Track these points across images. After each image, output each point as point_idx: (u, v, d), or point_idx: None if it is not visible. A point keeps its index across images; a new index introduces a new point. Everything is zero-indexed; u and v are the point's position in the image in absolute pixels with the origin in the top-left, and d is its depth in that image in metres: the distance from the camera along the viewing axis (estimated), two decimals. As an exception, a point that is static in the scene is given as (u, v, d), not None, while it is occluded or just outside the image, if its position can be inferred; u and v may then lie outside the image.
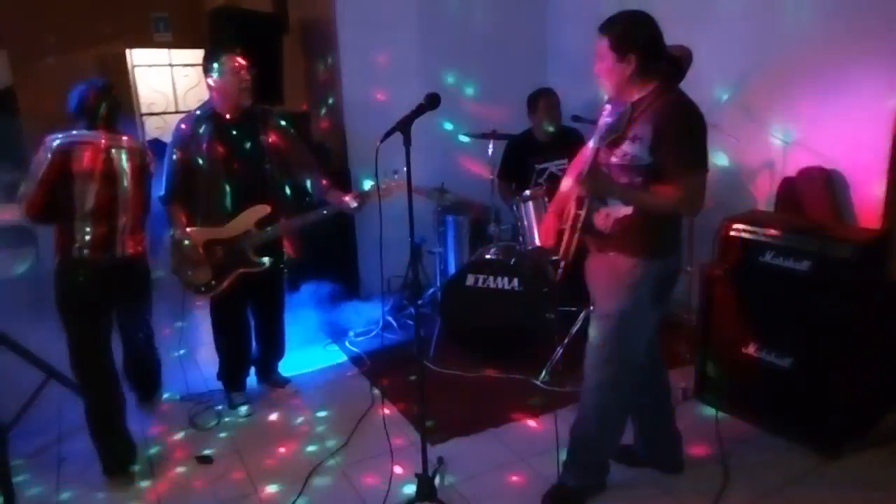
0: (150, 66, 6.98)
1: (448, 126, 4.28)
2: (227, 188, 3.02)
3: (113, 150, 2.68)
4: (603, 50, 2.10)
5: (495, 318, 3.50)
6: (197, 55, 6.96)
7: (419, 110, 2.09)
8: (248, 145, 3.04)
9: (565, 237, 2.27)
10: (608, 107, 2.28)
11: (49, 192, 2.57)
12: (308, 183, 3.17)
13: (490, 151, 3.79)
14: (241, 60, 2.96)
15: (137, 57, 6.91)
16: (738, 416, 2.95)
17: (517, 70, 4.55)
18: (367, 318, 4.19)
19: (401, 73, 4.35)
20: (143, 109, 6.91)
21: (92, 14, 6.46)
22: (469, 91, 4.48)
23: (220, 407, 3.25)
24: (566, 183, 2.39)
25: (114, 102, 2.75)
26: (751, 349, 2.87)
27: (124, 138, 2.75)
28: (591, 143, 2.26)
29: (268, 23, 4.48)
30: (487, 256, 3.57)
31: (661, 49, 2.13)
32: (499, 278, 3.45)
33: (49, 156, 2.58)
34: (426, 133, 4.33)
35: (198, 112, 3.05)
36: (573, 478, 2.46)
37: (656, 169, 2.08)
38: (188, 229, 3.03)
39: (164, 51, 6.98)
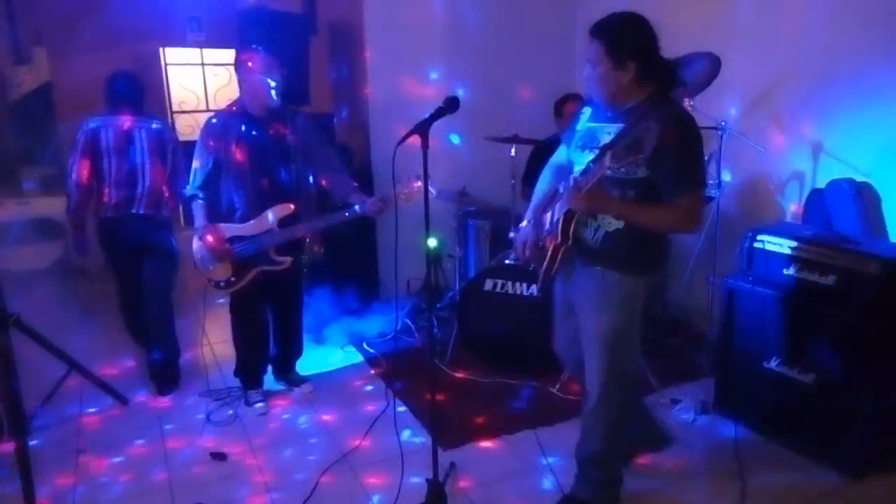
0: (182, 64, 7.08)
1: (470, 129, 4.26)
2: (252, 186, 3.06)
3: (134, 131, 3.31)
4: (597, 55, 2.02)
5: (513, 324, 3.47)
6: (228, 55, 7.07)
7: (438, 113, 2.08)
8: (275, 144, 3.07)
9: (549, 252, 2.21)
10: (588, 110, 2.22)
11: (84, 164, 3.27)
12: (333, 184, 3.19)
13: (513, 155, 3.77)
14: (270, 60, 2.99)
15: (171, 56, 7.02)
16: (758, 432, 2.88)
17: (543, 75, 4.52)
18: (385, 321, 4.19)
19: (426, 77, 4.36)
20: (175, 108, 7.01)
21: (128, 12, 6.59)
22: (493, 94, 4.46)
23: (236, 403, 3.28)
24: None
25: (136, 89, 3.37)
26: (773, 363, 2.80)
27: (146, 120, 3.35)
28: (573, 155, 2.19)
29: (297, 24, 4.51)
30: (507, 262, 3.55)
31: (658, 55, 2.07)
32: (517, 284, 3.43)
33: (81, 137, 3.27)
34: (447, 136, 4.37)
35: (229, 109, 3.10)
36: (585, 492, 2.43)
37: (652, 183, 2.00)
38: (211, 224, 3.06)
39: (196, 50, 7.08)
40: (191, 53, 7.07)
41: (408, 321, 4.12)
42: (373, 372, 3.67)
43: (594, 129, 2.17)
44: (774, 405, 2.81)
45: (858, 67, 3.15)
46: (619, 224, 2.10)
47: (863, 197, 3.00)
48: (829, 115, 3.31)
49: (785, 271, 2.76)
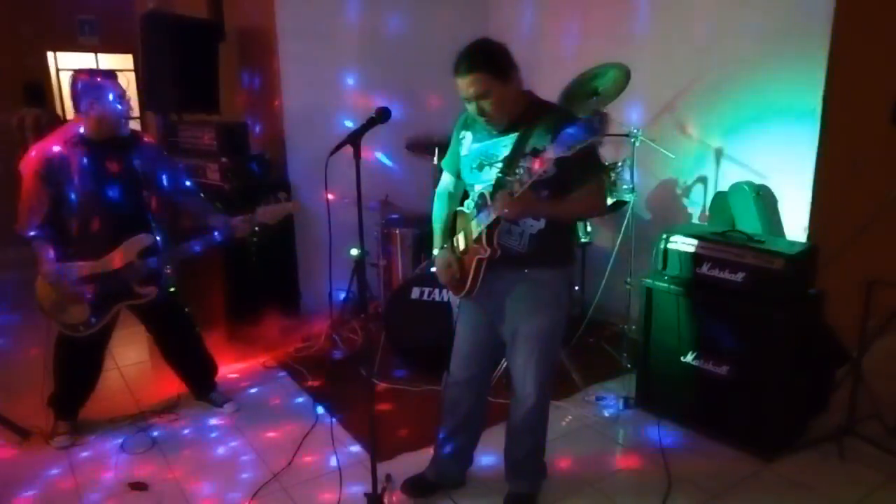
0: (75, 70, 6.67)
1: (389, 138, 4.25)
2: (101, 218, 2.85)
3: None
4: (486, 84, 2.03)
5: (441, 332, 3.47)
6: (125, 60, 6.73)
7: (370, 123, 2.06)
8: (121, 171, 2.86)
9: (472, 268, 2.23)
10: (468, 134, 2.27)
11: None
12: (190, 208, 3.09)
13: (434, 163, 3.79)
14: (119, 85, 2.82)
15: (62, 61, 6.60)
16: (680, 424, 3.03)
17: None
18: (308, 334, 4.10)
19: (342, 85, 4.31)
20: (69, 114, 6.59)
21: (12, 14, 6.13)
22: (412, 103, 4.47)
23: (152, 427, 3.11)
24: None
25: None
26: (690, 358, 2.95)
27: None
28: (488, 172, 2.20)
29: (203, 30, 4.35)
30: (433, 269, 3.54)
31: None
32: (444, 291, 3.44)
33: None
34: (370, 145, 4.34)
35: (66, 136, 2.83)
36: (527, 486, 2.52)
37: (561, 179, 2.06)
38: (57, 265, 2.80)
39: (91, 55, 6.69)
40: (84, 58, 6.67)
41: (331, 332, 4.04)
42: (298, 386, 3.57)
43: (485, 147, 2.21)
44: (693, 397, 2.97)
45: (755, 79, 3.39)
46: (541, 224, 2.19)
47: (762, 198, 3.22)
48: (730, 123, 3.55)
49: (698, 270, 2.92)
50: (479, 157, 2.22)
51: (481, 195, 2.17)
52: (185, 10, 4.61)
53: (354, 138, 2.04)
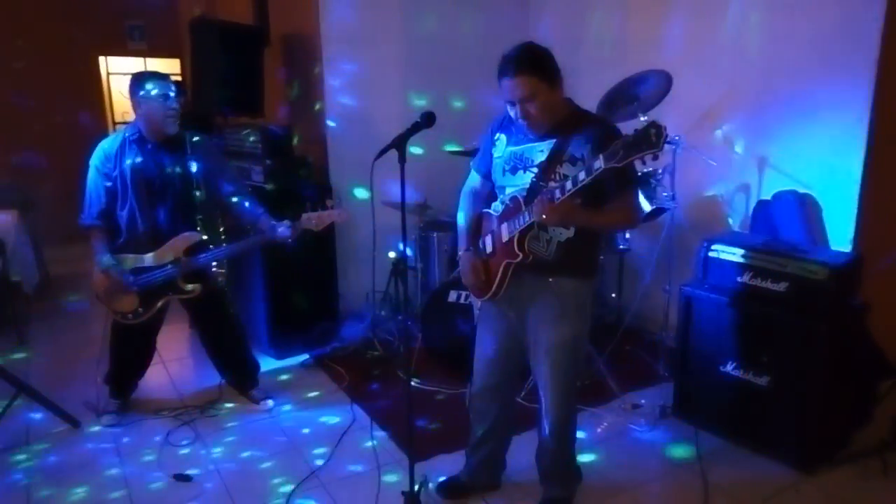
0: (125, 74, 6.89)
1: (429, 142, 4.29)
2: (153, 215, 2.98)
3: None
4: (533, 88, 2.04)
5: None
6: (173, 64, 6.92)
7: (415, 128, 2.10)
8: (175, 171, 2.99)
9: (500, 272, 2.25)
10: (502, 136, 2.27)
11: None
12: (239, 209, 3.15)
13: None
14: (169, 87, 2.92)
15: (113, 65, 6.82)
16: (717, 433, 3.00)
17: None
18: (346, 334, 4.16)
19: (384, 88, 4.37)
20: (118, 118, 6.80)
21: (64, 19, 6.36)
22: (455, 105, 4.51)
23: (198, 427, 3.20)
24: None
25: None
26: (729, 367, 2.93)
27: None
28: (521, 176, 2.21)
29: (249, 35, 4.46)
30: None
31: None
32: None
33: None
34: (408, 149, 4.38)
35: (124, 134, 2.99)
36: (561, 491, 2.53)
37: (595, 189, 2.04)
38: (113, 256, 2.97)
39: (140, 59, 6.90)
40: (133, 63, 6.88)
41: (369, 334, 4.09)
42: (335, 385, 3.64)
43: (521, 150, 2.21)
44: (731, 407, 2.94)
45: (798, 87, 3.35)
46: (570, 233, 2.18)
47: (806, 207, 3.18)
48: (773, 131, 3.50)
49: (739, 279, 2.89)
50: (513, 160, 2.23)
51: (513, 198, 2.18)
52: (230, 16, 4.73)
53: (400, 142, 2.08)
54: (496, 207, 2.31)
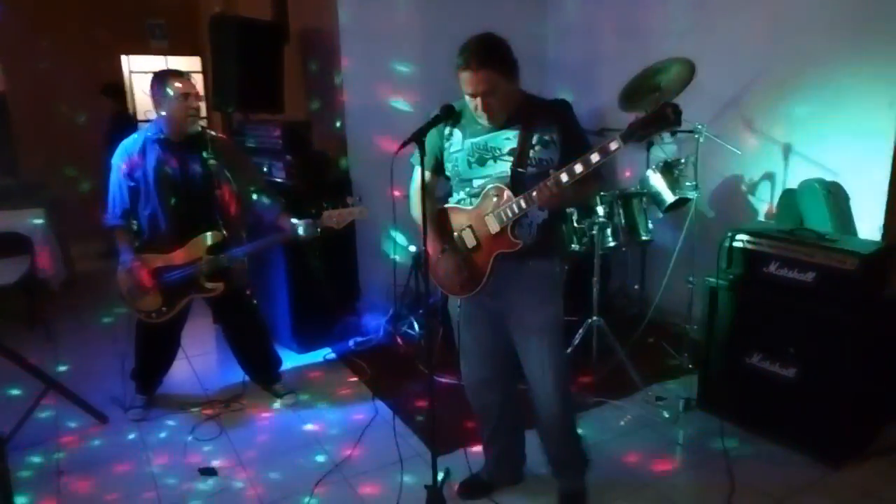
0: (146, 72, 6.95)
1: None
2: (176, 214, 3.00)
3: None
4: (492, 81, 2.04)
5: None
6: (193, 62, 6.97)
7: (435, 121, 2.09)
8: (196, 170, 3.01)
9: (490, 263, 2.21)
10: (455, 130, 2.24)
11: None
12: (260, 208, 3.16)
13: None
14: (190, 85, 2.94)
15: (134, 63, 6.90)
16: (742, 426, 2.96)
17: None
18: (367, 328, 4.18)
19: (402, 83, 4.36)
20: (140, 116, 6.87)
21: (88, 20, 6.44)
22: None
23: (223, 421, 3.23)
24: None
25: None
26: (755, 359, 2.88)
27: None
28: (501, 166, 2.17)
29: (268, 32, 4.47)
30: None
31: None
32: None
33: None
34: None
35: (146, 134, 3.02)
36: (573, 482, 2.52)
37: (564, 160, 2.08)
38: (137, 255, 3.01)
39: (161, 58, 6.96)
40: (155, 61, 6.94)
41: (390, 327, 4.10)
42: (356, 379, 3.65)
43: (483, 141, 2.18)
44: (757, 400, 2.89)
45: (824, 74, 3.27)
46: (545, 214, 2.19)
47: (833, 196, 3.11)
48: (798, 119, 3.43)
49: (764, 269, 2.84)
50: (478, 151, 2.20)
51: (496, 188, 2.14)
52: (249, 13, 4.74)
53: (419, 136, 2.07)
54: (464, 201, 2.26)
